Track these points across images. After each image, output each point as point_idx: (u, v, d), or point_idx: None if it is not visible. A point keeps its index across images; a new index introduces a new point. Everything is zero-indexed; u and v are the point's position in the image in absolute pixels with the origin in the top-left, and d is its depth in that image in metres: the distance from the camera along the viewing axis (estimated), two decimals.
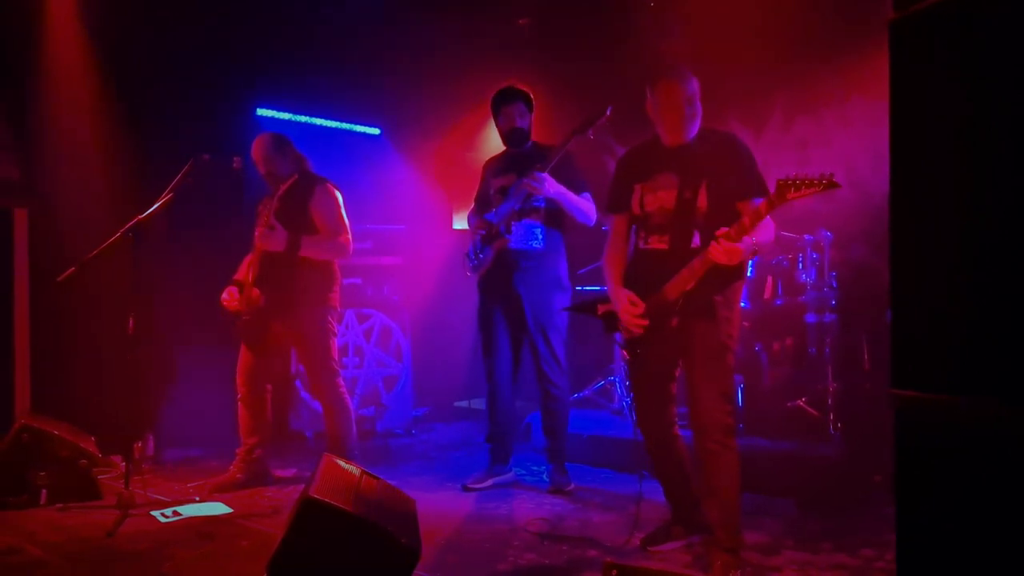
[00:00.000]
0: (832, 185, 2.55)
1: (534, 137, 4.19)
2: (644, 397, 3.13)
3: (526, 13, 6.17)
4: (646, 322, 2.96)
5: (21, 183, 4.76)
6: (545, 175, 3.83)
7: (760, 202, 2.71)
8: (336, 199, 4.09)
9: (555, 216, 4.08)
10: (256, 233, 4.02)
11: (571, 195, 3.93)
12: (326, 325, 4.09)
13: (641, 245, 3.09)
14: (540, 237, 4.06)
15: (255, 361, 4.11)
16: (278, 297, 3.98)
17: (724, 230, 2.73)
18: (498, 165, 4.23)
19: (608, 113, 3.62)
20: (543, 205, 4.04)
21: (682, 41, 5.31)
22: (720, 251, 2.72)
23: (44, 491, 3.75)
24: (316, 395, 4.27)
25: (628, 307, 3.00)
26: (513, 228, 4.03)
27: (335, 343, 4.15)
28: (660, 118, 2.99)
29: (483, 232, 4.10)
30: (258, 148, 4.07)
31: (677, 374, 3.13)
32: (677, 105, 2.93)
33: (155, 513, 3.59)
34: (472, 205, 4.35)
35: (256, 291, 3.96)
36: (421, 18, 5.67)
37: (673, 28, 5.39)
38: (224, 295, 4.00)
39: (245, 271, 4.08)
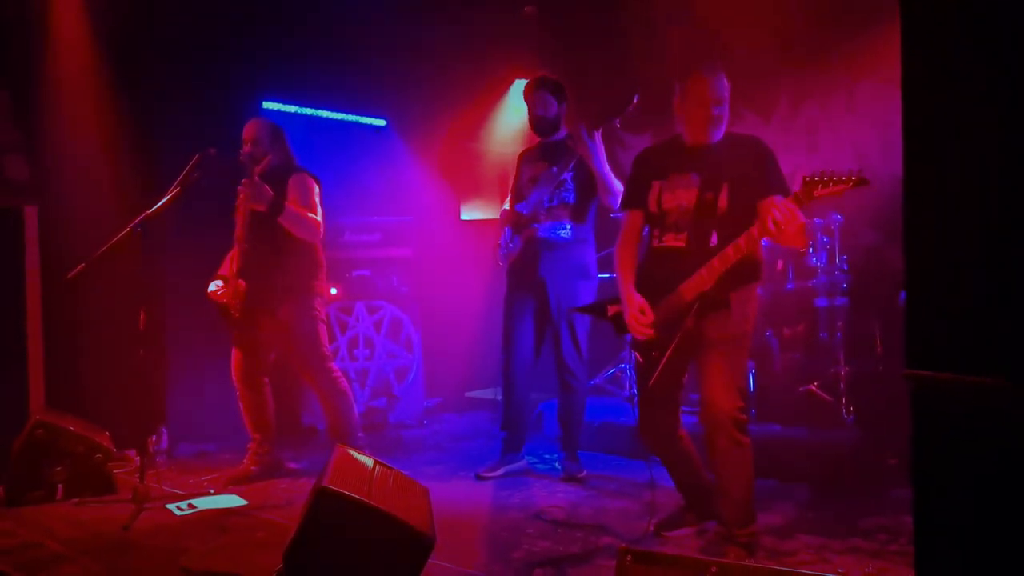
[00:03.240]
0: (862, 182, 2.50)
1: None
2: (650, 403, 3.06)
3: (531, 1, 6.14)
4: (652, 332, 2.91)
5: (31, 182, 4.77)
6: (599, 136, 3.82)
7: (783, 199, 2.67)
8: (311, 187, 4.05)
9: (582, 214, 4.09)
10: (240, 196, 3.95)
11: (610, 173, 3.92)
12: (312, 311, 4.05)
13: (655, 243, 3.03)
14: (568, 228, 4.07)
15: (247, 357, 4.09)
16: (263, 285, 3.95)
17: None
18: (531, 155, 4.26)
19: (636, 100, 3.61)
20: (573, 201, 4.04)
21: (689, 27, 5.28)
22: (781, 208, 2.63)
23: (60, 486, 3.78)
24: (308, 383, 4.23)
25: (637, 315, 2.94)
26: (542, 218, 4.05)
27: (323, 329, 4.12)
28: (687, 114, 2.95)
29: (513, 221, 4.12)
30: (253, 128, 4.04)
31: (684, 381, 3.09)
32: (706, 101, 2.90)
33: (171, 506, 3.61)
34: (508, 196, 4.34)
35: (241, 282, 3.95)
36: (425, 8, 5.65)
37: (680, 14, 5.36)
38: (211, 287, 4.00)
39: (229, 265, 4.07)
